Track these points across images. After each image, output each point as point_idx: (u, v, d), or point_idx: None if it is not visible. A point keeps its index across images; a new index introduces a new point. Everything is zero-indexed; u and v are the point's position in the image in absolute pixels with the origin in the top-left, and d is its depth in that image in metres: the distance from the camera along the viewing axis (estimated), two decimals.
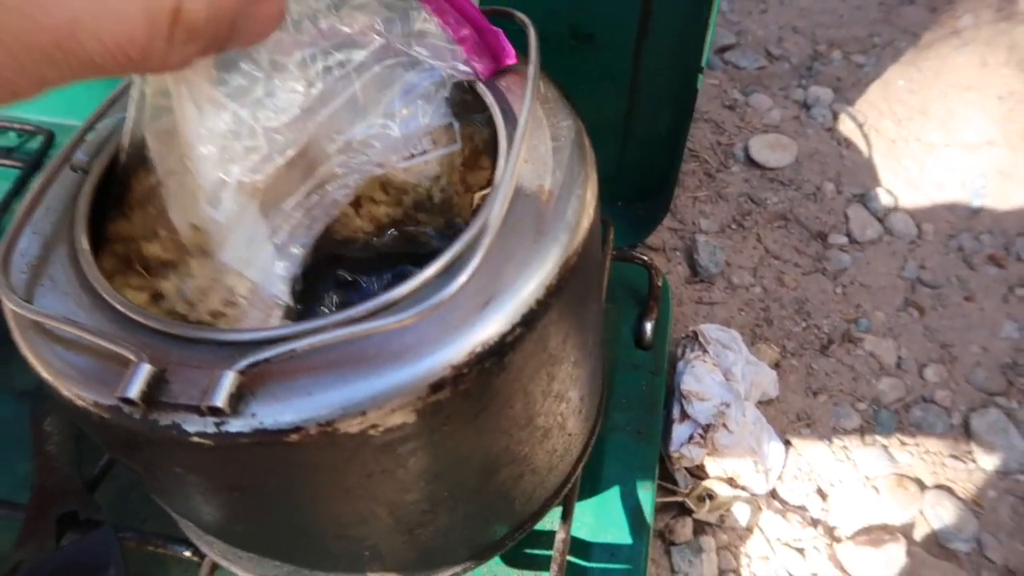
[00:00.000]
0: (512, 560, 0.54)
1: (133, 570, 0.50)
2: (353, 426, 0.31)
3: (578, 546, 0.54)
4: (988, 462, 0.69)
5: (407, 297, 0.33)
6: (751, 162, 0.93)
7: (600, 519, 0.56)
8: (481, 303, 0.33)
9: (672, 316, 0.69)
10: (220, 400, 0.30)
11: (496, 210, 0.33)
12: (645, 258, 0.66)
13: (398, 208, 0.44)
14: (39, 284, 0.37)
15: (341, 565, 0.42)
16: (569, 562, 0.53)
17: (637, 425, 0.61)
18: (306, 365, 0.31)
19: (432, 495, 0.38)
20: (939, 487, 0.68)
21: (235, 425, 0.31)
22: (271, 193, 0.37)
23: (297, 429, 0.31)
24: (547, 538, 0.53)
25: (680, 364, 0.67)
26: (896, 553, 0.64)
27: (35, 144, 0.78)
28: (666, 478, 0.65)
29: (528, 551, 0.54)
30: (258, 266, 0.36)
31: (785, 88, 1.02)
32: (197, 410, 0.31)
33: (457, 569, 0.45)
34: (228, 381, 0.30)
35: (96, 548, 0.47)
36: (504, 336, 0.33)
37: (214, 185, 0.34)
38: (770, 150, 0.93)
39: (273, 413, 0.31)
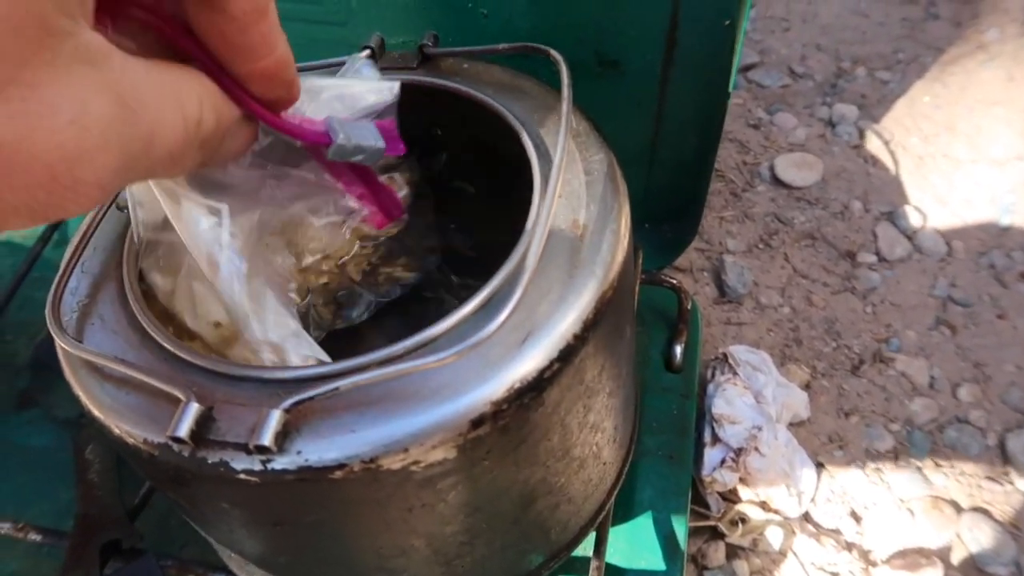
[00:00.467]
0: None
1: None
2: (396, 463, 0.32)
3: (612, 573, 0.55)
4: None
5: (445, 334, 0.34)
6: (777, 181, 0.93)
7: (634, 545, 0.56)
8: (519, 339, 0.33)
9: (701, 338, 0.70)
10: (267, 439, 0.31)
11: (534, 247, 0.34)
12: (674, 281, 0.67)
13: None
14: (89, 323, 0.38)
15: None
16: None
17: (669, 450, 0.61)
18: (349, 403, 0.32)
19: (471, 527, 0.38)
20: (976, 509, 0.67)
21: (281, 463, 0.31)
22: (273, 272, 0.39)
23: (341, 466, 0.32)
24: (581, 565, 0.54)
25: (710, 387, 0.67)
26: None
27: None
28: (698, 502, 0.65)
29: None
30: (286, 335, 0.38)
31: (810, 106, 1.02)
32: (245, 448, 0.31)
33: None
34: (274, 420, 0.31)
35: (139, 575, 0.48)
36: (542, 372, 0.34)
37: (227, 277, 0.36)
38: (796, 169, 0.93)
39: (318, 451, 0.31)
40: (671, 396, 0.64)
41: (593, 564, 0.50)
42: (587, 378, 0.38)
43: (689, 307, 0.67)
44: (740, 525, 0.64)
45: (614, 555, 0.55)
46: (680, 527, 0.56)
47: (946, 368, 0.75)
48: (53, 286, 0.38)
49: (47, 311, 0.37)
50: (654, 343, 0.68)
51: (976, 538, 0.65)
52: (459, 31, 0.66)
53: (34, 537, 0.54)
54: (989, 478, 0.69)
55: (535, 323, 0.34)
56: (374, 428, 0.32)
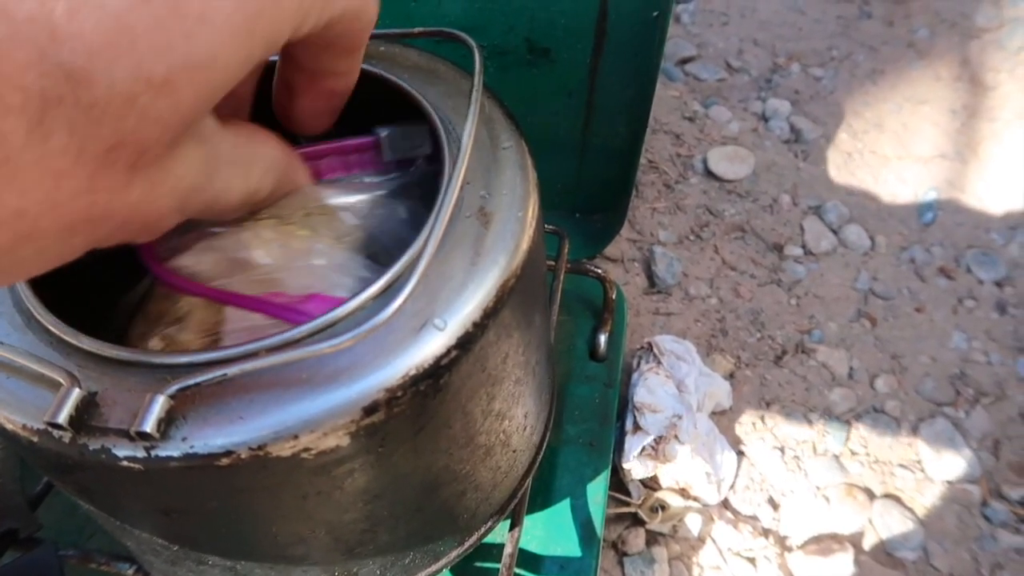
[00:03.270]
0: (460, 574, 0.54)
1: None
2: (285, 450, 0.31)
3: (527, 559, 0.55)
4: (935, 471, 0.70)
5: (344, 319, 0.33)
6: (710, 174, 0.94)
7: (550, 531, 0.56)
8: (417, 326, 0.33)
9: (627, 328, 0.70)
10: (149, 425, 0.30)
11: (435, 233, 0.34)
12: (599, 270, 0.67)
13: None
14: None
15: None
16: (517, 575, 0.53)
17: (590, 437, 0.61)
18: (238, 388, 0.31)
19: (371, 515, 0.38)
20: (888, 496, 0.69)
21: (165, 450, 0.31)
22: None
23: (228, 453, 0.31)
24: (496, 551, 0.54)
25: (634, 376, 0.68)
26: (845, 562, 0.65)
27: None
28: (619, 489, 0.66)
29: (477, 564, 0.54)
30: None
31: (744, 100, 1.03)
32: (127, 435, 0.30)
33: None
34: (158, 406, 0.30)
35: (37, 566, 0.47)
36: (439, 359, 0.33)
37: None
38: (728, 162, 0.94)
39: (204, 437, 0.31)
40: (594, 385, 0.64)
41: (506, 551, 0.50)
42: (489, 366, 0.37)
43: (614, 296, 0.67)
44: (660, 512, 0.65)
45: (530, 542, 0.55)
46: (598, 513, 0.57)
47: (865, 359, 0.77)
48: None
49: None
50: (580, 332, 0.68)
51: (887, 524, 0.67)
52: (387, 15, 0.65)
53: None
54: (902, 466, 0.71)
55: (434, 310, 0.34)
56: (263, 415, 0.31)
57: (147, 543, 0.41)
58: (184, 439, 0.31)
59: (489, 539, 0.53)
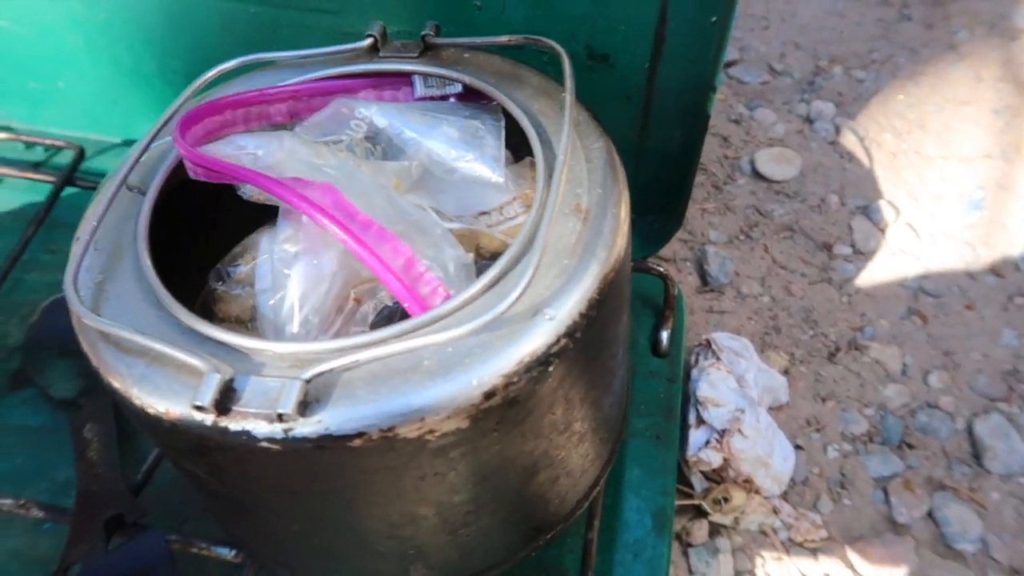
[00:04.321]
0: (541, 561, 0.56)
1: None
2: (412, 431, 0.34)
3: (603, 547, 0.57)
4: (992, 466, 0.71)
5: (455, 311, 0.35)
6: (757, 175, 0.96)
7: (623, 521, 0.58)
8: (529, 316, 0.35)
9: (686, 325, 0.72)
10: (290, 407, 0.32)
11: (543, 230, 0.36)
12: (661, 269, 0.69)
13: None
14: (105, 299, 0.39)
15: (385, 565, 0.44)
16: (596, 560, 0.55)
17: (656, 431, 0.63)
18: (368, 374, 0.34)
19: (478, 496, 0.40)
20: (945, 489, 0.70)
21: (302, 431, 0.33)
22: None
23: (360, 434, 0.33)
24: (574, 542, 0.56)
25: (694, 371, 0.70)
26: (905, 553, 0.66)
27: (64, 159, 0.80)
28: (683, 482, 0.67)
29: (556, 552, 0.56)
30: None
31: (788, 103, 1.05)
32: (267, 417, 0.33)
33: (493, 571, 0.47)
34: (296, 390, 0.32)
35: (145, 550, 0.49)
36: (550, 347, 0.35)
37: None
38: (775, 163, 0.96)
39: (338, 419, 0.33)
40: (658, 380, 0.66)
41: (587, 538, 0.52)
42: (590, 355, 0.40)
43: (675, 294, 0.69)
44: (723, 504, 0.66)
45: (605, 530, 0.57)
46: (667, 504, 0.59)
47: (917, 356, 0.79)
48: (72, 264, 0.39)
49: (67, 285, 0.37)
50: (641, 329, 0.70)
51: (945, 516, 0.68)
52: (452, 22, 0.68)
53: (36, 513, 0.55)
54: (958, 460, 0.72)
55: (543, 302, 0.36)
56: (392, 399, 0.33)
57: (262, 526, 0.44)
58: (319, 421, 0.33)
59: (570, 529, 0.55)
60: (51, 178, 0.75)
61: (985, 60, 1.09)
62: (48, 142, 0.80)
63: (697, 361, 0.71)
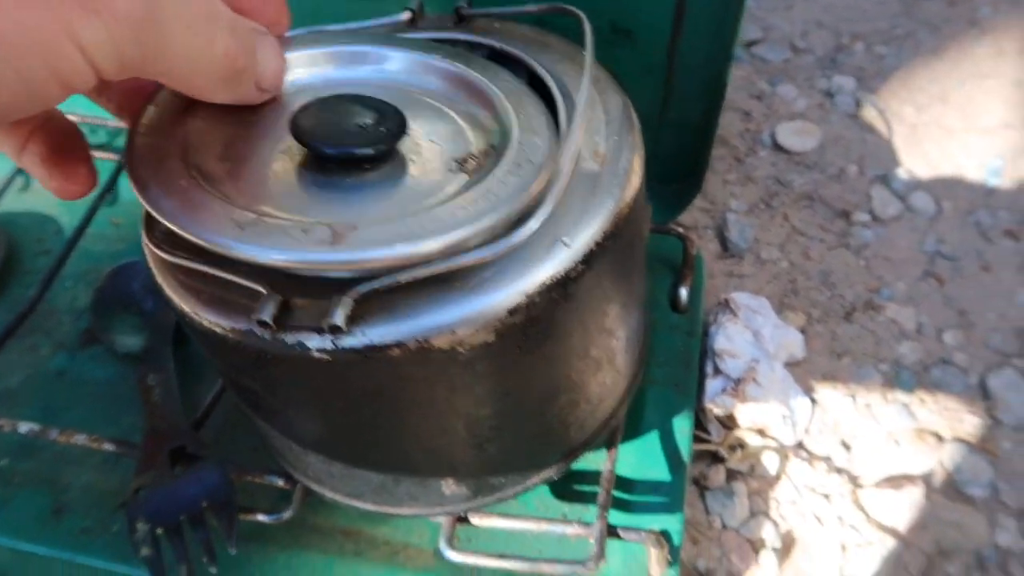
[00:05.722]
0: (561, 493, 0.60)
1: None
2: (444, 342, 0.38)
3: (622, 483, 0.61)
4: (1004, 417, 0.74)
5: (489, 235, 0.40)
6: (777, 147, 0.99)
7: (641, 460, 0.62)
8: (549, 243, 0.40)
9: (705, 284, 0.75)
10: (340, 320, 0.37)
11: (565, 167, 0.40)
12: (680, 229, 0.73)
13: None
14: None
15: (422, 473, 0.49)
16: (614, 496, 0.59)
17: (675, 380, 0.67)
18: (406, 292, 0.38)
19: (502, 411, 0.44)
20: (957, 439, 0.73)
21: (349, 342, 0.38)
22: None
23: (398, 344, 0.38)
24: (594, 477, 0.60)
25: (712, 328, 0.73)
26: (916, 497, 0.69)
27: (123, 140, 0.86)
28: (701, 430, 0.71)
29: (576, 487, 0.61)
30: None
31: (810, 79, 1.08)
32: (319, 329, 0.38)
33: (517, 488, 0.51)
34: (345, 305, 0.37)
35: (206, 476, 0.54)
36: (568, 271, 0.40)
37: None
38: (796, 136, 0.99)
39: (379, 331, 0.38)
40: (677, 334, 0.70)
41: (605, 468, 0.56)
42: (604, 284, 0.44)
43: (694, 252, 0.72)
44: (739, 450, 0.70)
45: (624, 468, 0.61)
46: (684, 444, 0.62)
47: (933, 315, 0.81)
48: (143, 211, 0.44)
49: (142, 231, 0.43)
50: (661, 288, 0.73)
51: (957, 464, 0.71)
52: None
53: (108, 447, 0.60)
54: (970, 412, 0.75)
55: (562, 230, 0.40)
56: (427, 313, 0.38)
57: (311, 439, 0.49)
58: (364, 333, 0.38)
59: (589, 466, 0.59)
60: (113, 157, 0.82)
61: (1007, 34, 1.11)
62: (111, 124, 0.86)
63: (716, 319, 0.75)
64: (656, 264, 0.76)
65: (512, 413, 0.45)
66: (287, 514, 0.56)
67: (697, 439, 0.71)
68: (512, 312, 0.39)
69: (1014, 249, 0.86)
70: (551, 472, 0.52)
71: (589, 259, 0.40)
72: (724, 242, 0.89)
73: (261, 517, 0.56)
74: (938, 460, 0.72)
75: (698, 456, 0.71)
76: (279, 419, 0.48)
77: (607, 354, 0.49)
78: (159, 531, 0.52)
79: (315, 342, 0.38)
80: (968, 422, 0.74)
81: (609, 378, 0.51)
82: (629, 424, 0.63)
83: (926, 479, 0.71)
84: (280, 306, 0.38)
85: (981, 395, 0.76)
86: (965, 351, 0.78)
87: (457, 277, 0.38)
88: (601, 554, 0.52)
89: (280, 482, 0.57)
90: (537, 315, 0.40)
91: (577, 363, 0.46)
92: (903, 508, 0.69)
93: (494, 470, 0.49)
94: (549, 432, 0.49)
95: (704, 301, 0.74)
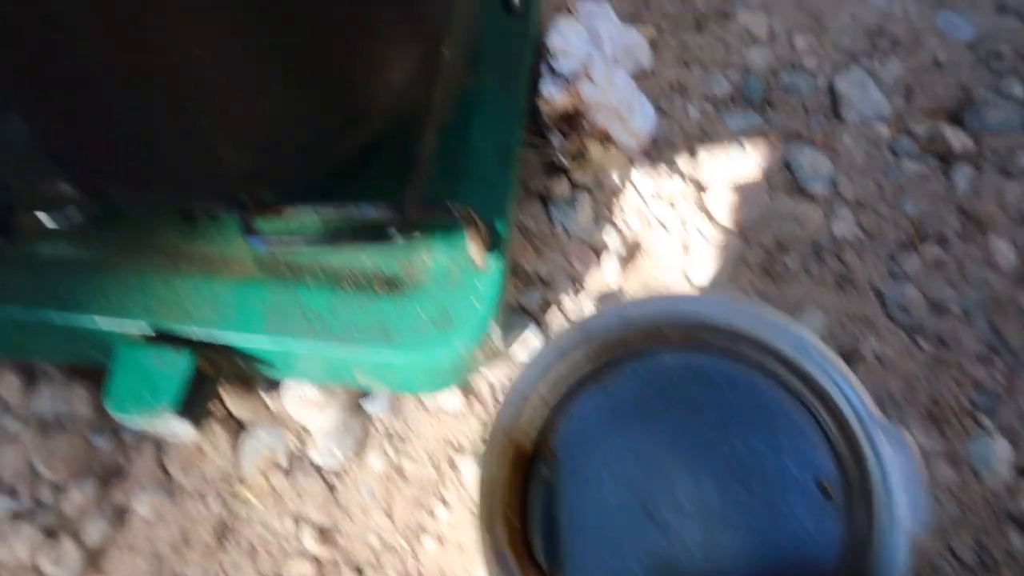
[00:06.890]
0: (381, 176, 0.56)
1: None
2: None
3: (447, 173, 0.57)
4: (847, 115, 0.73)
5: None
6: None
7: (468, 152, 0.59)
8: None
9: None
10: None
11: None
12: None
13: None
14: None
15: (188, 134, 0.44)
16: (436, 188, 0.55)
17: (505, 81, 0.63)
18: None
19: (260, 48, 0.39)
20: (800, 138, 0.72)
21: None
22: None
23: None
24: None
25: (549, 30, 0.68)
26: (759, 197, 0.69)
27: None
28: (540, 138, 0.68)
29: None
30: None
31: None
32: None
33: (311, 160, 0.47)
34: None
35: None
36: None
37: None
38: None
39: None
40: (508, 36, 0.65)
41: (425, 141, 0.52)
42: None
43: None
44: (582, 159, 0.67)
45: (448, 158, 0.57)
46: (512, 140, 0.59)
47: (785, 20, 0.78)
48: None
49: None
50: None
51: (799, 163, 0.71)
52: None
53: None
54: (816, 112, 0.73)
55: None
56: None
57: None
58: None
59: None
60: None
61: None
62: None
63: (555, 23, 0.70)
64: None
65: (274, 50, 0.40)
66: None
67: (538, 151, 0.68)
68: None
69: None
70: (345, 142, 0.48)
71: None
72: None
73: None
74: (780, 159, 0.71)
75: (544, 172, 0.69)
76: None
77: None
78: None
79: None
80: (815, 123, 0.73)
81: (400, 28, 0.46)
82: (454, 127, 0.59)
83: (770, 179, 0.70)
84: None
85: (828, 96, 0.74)
86: (815, 54, 0.76)
87: None
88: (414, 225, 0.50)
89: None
90: None
91: None
92: (745, 208, 0.69)
93: (275, 132, 0.45)
94: (327, 87, 0.45)
95: (540, 3, 0.69)
